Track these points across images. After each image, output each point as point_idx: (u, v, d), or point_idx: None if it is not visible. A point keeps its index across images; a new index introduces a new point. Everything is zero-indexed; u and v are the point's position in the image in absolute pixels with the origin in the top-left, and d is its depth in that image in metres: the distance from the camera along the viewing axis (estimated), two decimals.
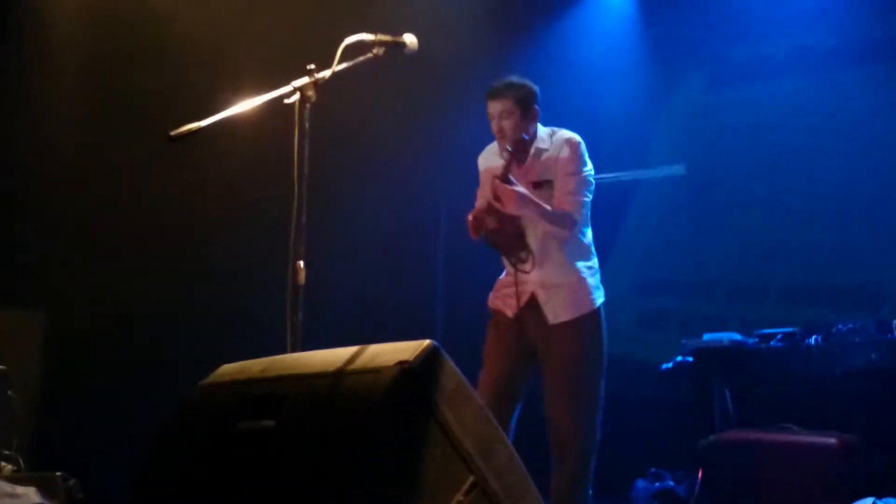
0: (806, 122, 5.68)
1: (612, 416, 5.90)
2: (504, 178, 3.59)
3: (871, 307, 5.10)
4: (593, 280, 3.82)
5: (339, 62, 2.96)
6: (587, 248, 3.86)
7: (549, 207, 3.67)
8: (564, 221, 3.70)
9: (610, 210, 6.41)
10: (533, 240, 3.76)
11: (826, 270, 5.53)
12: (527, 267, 3.74)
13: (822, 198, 5.56)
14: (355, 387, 2.00)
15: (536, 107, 3.81)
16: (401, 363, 1.95)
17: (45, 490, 3.72)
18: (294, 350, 2.73)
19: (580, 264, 3.79)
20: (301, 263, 2.81)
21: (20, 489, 3.59)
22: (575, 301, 3.73)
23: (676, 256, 6.25)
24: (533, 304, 3.75)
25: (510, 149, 3.66)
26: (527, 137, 3.77)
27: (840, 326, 4.57)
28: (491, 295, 3.91)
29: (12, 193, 4.92)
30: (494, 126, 3.78)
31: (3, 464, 4.01)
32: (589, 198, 3.79)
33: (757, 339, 4.87)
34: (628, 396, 5.89)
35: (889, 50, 5.42)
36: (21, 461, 4.15)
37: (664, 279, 6.32)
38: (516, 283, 3.77)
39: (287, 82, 2.84)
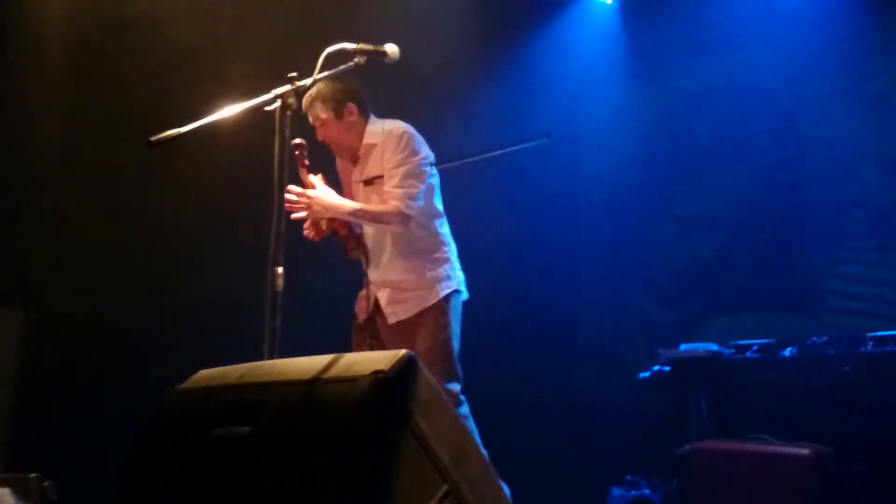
0: (791, 131, 5.73)
1: (588, 423, 5.99)
2: (302, 182, 3.55)
3: None
4: (439, 271, 3.73)
5: (321, 70, 2.99)
6: (433, 239, 3.78)
7: (359, 206, 3.61)
8: (387, 216, 3.61)
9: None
10: (369, 239, 3.76)
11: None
12: (367, 268, 3.75)
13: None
14: (331, 395, 2.01)
15: (351, 104, 3.71)
16: (376, 372, 1.97)
17: (19, 492, 3.69)
18: (271, 355, 2.74)
19: (423, 258, 3.71)
20: (279, 269, 2.82)
21: None
22: (415, 298, 3.69)
23: (654, 263, 6.30)
24: (377, 305, 3.76)
25: (297, 152, 3.50)
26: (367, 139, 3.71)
27: (815, 339, 4.62)
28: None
29: None
30: (319, 135, 3.75)
31: None
32: (419, 188, 3.66)
33: (733, 350, 4.92)
34: (605, 405, 5.94)
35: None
36: None
37: (640, 286, 6.36)
38: (367, 286, 3.78)
39: (269, 89, 2.86)
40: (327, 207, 3.55)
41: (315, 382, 2.07)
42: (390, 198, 3.62)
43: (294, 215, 3.52)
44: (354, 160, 3.77)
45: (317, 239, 3.72)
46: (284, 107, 2.85)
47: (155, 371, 4.25)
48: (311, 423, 2.01)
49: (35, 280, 4.89)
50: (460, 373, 3.70)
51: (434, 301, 3.69)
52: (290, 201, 3.42)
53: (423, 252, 3.74)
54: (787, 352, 4.67)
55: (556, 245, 6.36)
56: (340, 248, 3.82)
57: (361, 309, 3.81)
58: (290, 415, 2.07)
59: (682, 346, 5.09)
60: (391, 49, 3.23)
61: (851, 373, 4.43)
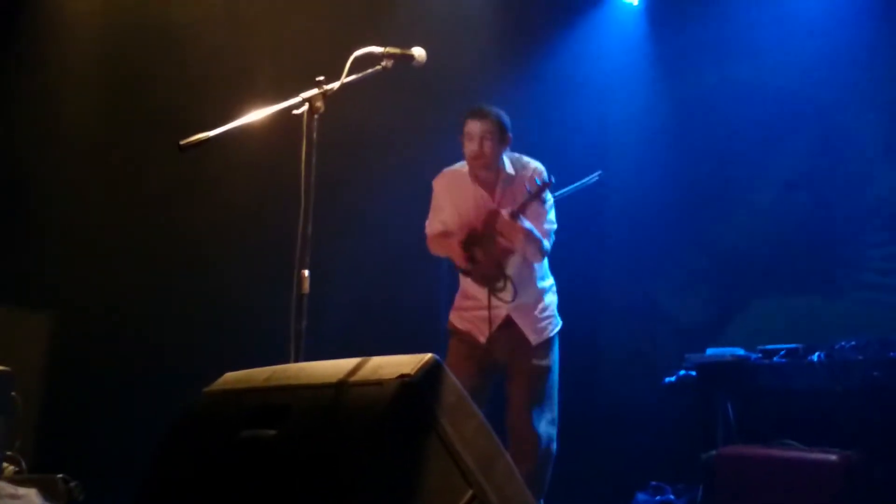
0: (817, 131, 5.70)
1: (614, 428, 5.96)
2: (514, 215, 3.70)
3: None
4: (555, 298, 4.04)
5: (348, 74, 2.99)
6: (547, 267, 4.05)
7: (544, 241, 3.83)
8: (543, 251, 3.87)
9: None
10: (512, 269, 3.87)
11: None
12: (507, 296, 3.85)
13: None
14: (357, 399, 2.02)
15: (510, 135, 3.91)
16: (402, 376, 1.97)
17: (46, 492, 3.73)
18: (297, 358, 2.75)
19: (545, 286, 3.99)
20: (306, 272, 2.84)
21: (22, 490, 3.60)
22: (546, 321, 3.94)
23: (681, 264, 6.27)
24: (506, 326, 3.88)
25: (529, 189, 3.73)
26: (506, 169, 3.87)
27: (843, 343, 4.57)
28: (454, 314, 4.02)
29: (22, 195, 4.94)
30: (474, 146, 3.84)
31: (5, 465, 4.02)
32: (556, 225, 3.96)
33: (760, 355, 4.88)
34: (630, 409, 5.91)
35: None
36: (23, 462, 4.16)
37: (666, 288, 6.33)
38: (489, 308, 3.86)
39: (297, 93, 2.87)
40: (531, 240, 3.78)
41: (341, 386, 2.08)
42: (542, 234, 3.85)
43: (499, 238, 3.75)
44: (487, 186, 3.89)
45: (463, 266, 3.88)
46: (312, 110, 2.87)
47: (181, 373, 4.27)
48: (337, 426, 2.01)
49: (63, 283, 4.93)
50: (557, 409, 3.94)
51: (559, 327, 4.01)
52: (507, 226, 3.70)
53: (545, 280, 4.02)
54: (815, 356, 4.61)
55: (580, 247, 6.34)
56: (463, 271, 3.90)
57: (480, 331, 3.92)
58: (316, 418, 2.08)
59: (709, 351, 5.06)
60: (418, 52, 3.24)
61: (880, 378, 4.38)
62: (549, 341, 3.94)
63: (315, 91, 2.90)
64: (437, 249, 4.06)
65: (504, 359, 3.90)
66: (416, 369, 1.98)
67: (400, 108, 5.22)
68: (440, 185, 4.04)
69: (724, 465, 4.43)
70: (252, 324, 4.90)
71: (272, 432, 2.10)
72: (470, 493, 1.98)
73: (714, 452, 4.55)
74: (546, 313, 3.95)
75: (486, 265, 3.84)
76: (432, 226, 4.02)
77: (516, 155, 3.99)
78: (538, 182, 3.75)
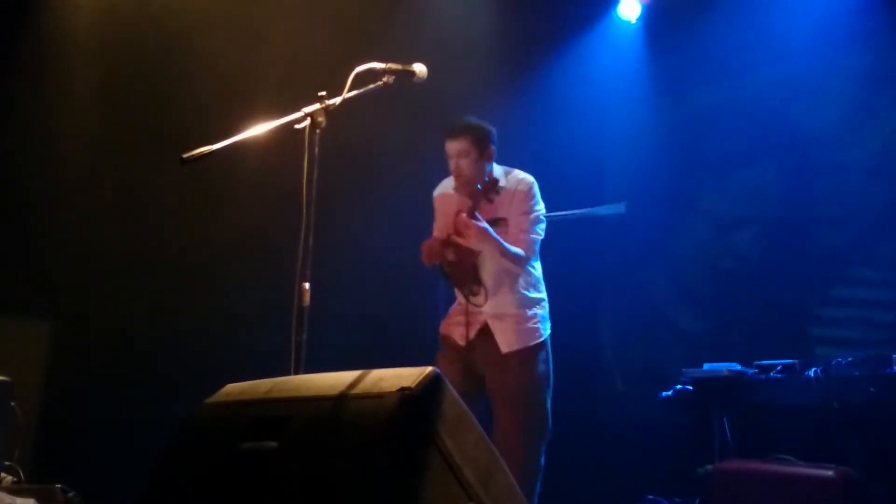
0: (814, 149, 5.73)
1: (610, 442, 5.96)
2: (470, 214, 3.71)
3: None
4: (542, 311, 3.98)
5: (350, 89, 3.02)
6: (537, 281, 4.01)
7: (507, 245, 3.80)
8: (518, 259, 3.85)
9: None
10: (486, 274, 3.88)
11: None
12: (480, 300, 3.87)
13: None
14: (358, 411, 2.03)
15: (492, 147, 3.91)
16: (403, 389, 1.98)
17: (44, 502, 3.73)
18: (297, 370, 2.76)
19: (530, 296, 3.95)
20: (306, 285, 2.85)
21: (20, 501, 3.60)
22: (525, 332, 3.88)
23: (679, 278, 6.29)
24: (484, 334, 3.88)
25: (480, 187, 3.79)
26: (487, 180, 3.88)
27: (840, 360, 4.58)
28: (443, 322, 4.04)
29: (22, 205, 4.96)
30: (452, 165, 3.89)
31: (3, 475, 4.02)
32: (541, 235, 3.95)
33: (756, 370, 4.89)
34: (627, 423, 5.92)
35: None
36: (21, 472, 4.16)
37: (664, 303, 6.35)
38: (467, 314, 3.89)
39: (299, 108, 2.89)
40: (486, 239, 3.74)
41: (342, 398, 2.09)
42: (518, 241, 3.85)
43: (455, 238, 3.74)
44: (471, 195, 3.89)
45: (430, 263, 3.85)
46: (314, 125, 2.89)
47: (181, 384, 4.29)
48: (337, 438, 2.02)
49: (63, 291, 4.94)
50: (548, 431, 3.90)
51: (540, 339, 3.92)
52: (463, 224, 3.68)
53: (531, 290, 3.96)
54: (812, 372, 4.63)
55: (580, 261, 6.37)
56: (439, 275, 3.92)
57: (460, 335, 3.92)
58: (317, 430, 2.09)
59: (706, 366, 5.07)
60: (419, 69, 3.27)
61: (877, 393, 4.38)
62: (526, 353, 3.84)
63: (317, 106, 2.92)
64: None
65: (482, 370, 3.87)
66: (416, 382, 1.99)
67: (400, 123, 5.25)
68: (435, 199, 4.11)
69: (721, 480, 4.43)
70: (253, 336, 4.92)
71: (273, 444, 2.10)
72: None
73: (710, 467, 4.55)
74: (525, 325, 3.88)
75: (462, 268, 3.85)
76: (434, 234, 4.06)
77: (509, 169, 4.00)
78: (479, 187, 3.78)
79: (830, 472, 4.10)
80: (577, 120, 6.45)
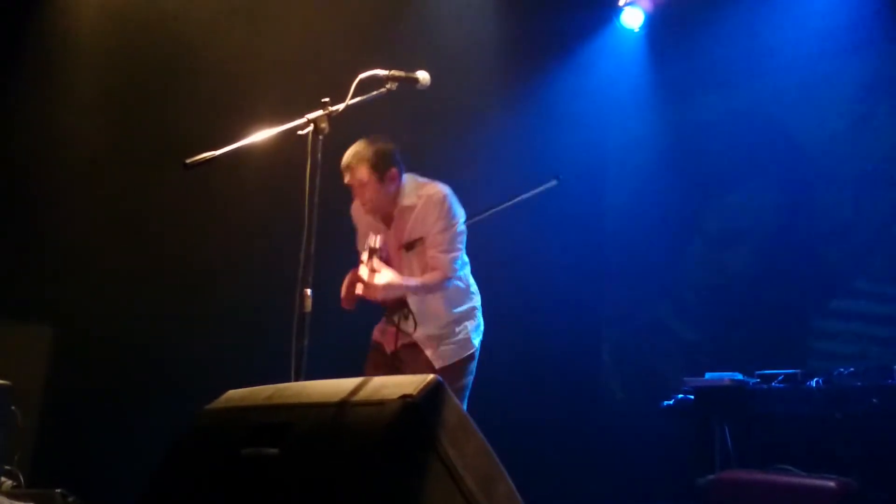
0: (812, 159, 5.73)
1: (611, 451, 5.96)
2: (361, 279, 3.58)
3: None
4: (473, 322, 3.93)
5: (353, 96, 3.03)
6: (464, 291, 3.92)
7: (416, 282, 3.73)
8: (438, 285, 3.76)
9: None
10: (413, 303, 3.82)
11: None
12: (409, 327, 3.81)
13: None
14: (359, 418, 2.02)
15: (394, 167, 3.76)
16: (404, 397, 1.98)
17: None
18: (298, 377, 2.76)
19: (459, 311, 3.88)
20: (308, 291, 2.85)
21: None
22: (457, 348, 3.85)
23: (680, 286, 6.29)
24: (413, 347, 3.84)
25: (371, 245, 3.62)
26: (402, 199, 3.77)
27: (842, 370, 4.57)
28: (376, 327, 3.98)
29: (23, 210, 4.96)
30: (357, 196, 3.79)
31: (3, 479, 4.02)
32: (461, 250, 3.83)
33: (758, 380, 4.88)
34: (627, 432, 5.91)
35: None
36: (21, 477, 4.16)
37: (665, 312, 6.34)
38: (398, 328, 3.84)
39: (302, 114, 2.90)
40: (391, 287, 3.63)
41: (343, 405, 2.08)
42: (437, 264, 3.75)
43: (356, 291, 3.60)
44: (386, 219, 3.83)
45: (350, 307, 3.77)
46: (317, 131, 2.89)
47: (182, 390, 4.29)
48: (338, 445, 2.01)
49: (64, 296, 4.94)
50: None
51: (469, 352, 3.89)
52: (353, 284, 3.58)
53: (459, 304, 3.89)
54: (813, 382, 4.62)
55: (581, 269, 6.37)
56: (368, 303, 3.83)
57: (388, 342, 3.89)
58: (317, 437, 2.08)
59: (708, 375, 5.06)
60: (423, 76, 3.28)
61: (878, 405, 4.37)
62: (453, 368, 3.82)
63: (320, 112, 2.93)
64: None
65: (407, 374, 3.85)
66: (417, 390, 1.98)
67: (403, 130, 5.25)
68: (352, 209, 4.00)
69: (721, 490, 4.41)
70: (254, 342, 4.91)
71: (273, 451, 2.10)
72: None
73: (711, 477, 4.54)
74: (455, 342, 3.85)
75: (393, 303, 3.80)
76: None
77: (423, 181, 3.86)
78: (370, 245, 3.62)
79: (831, 483, 4.08)
80: (578, 128, 6.45)
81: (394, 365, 3.84)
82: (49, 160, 5.02)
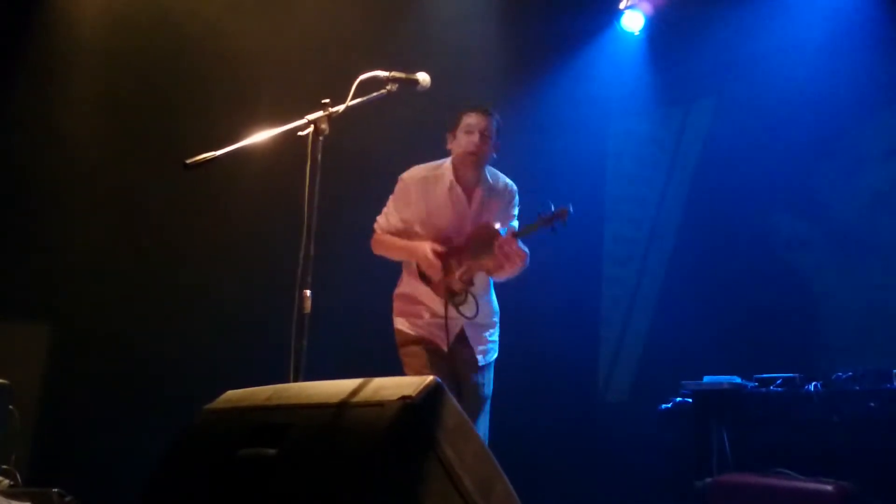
0: (811, 158, 5.75)
1: (608, 454, 5.95)
2: (516, 238, 3.61)
3: None
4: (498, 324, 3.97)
5: (353, 97, 3.02)
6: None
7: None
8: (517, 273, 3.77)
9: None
10: (476, 284, 3.80)
11: None
12: (467, 310, 3.76)
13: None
14: (358, 419, 2.02)
15: (499, 143, 3.87)
16: (403, 398, 1.97)
17: None
18: (297, 378, 2.75)
19: (497, 311, 3.93)
20: (307, 292, 2.85)
21: None
22: (492, 345, 3.89)
23: (678, 295, 6.29)
24: (459, 340, 3.81)
25: (542, 213, 3.59)
26: (488, 178, 3.81)
27: (840, 374, 4.58)
28: (403, 320, 3.88)
29: (22, 209, 4.97)
30: (474, 138, 3.75)
31: (0, 478, 4.01)
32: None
33: (756, 384, 4.88)
34: (626, 435, 5.91)
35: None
36: (18, 476, 4.16)
37: (665, 318, 6.34)
38: (446, 317, 3.76)
39: (302, 115, 2.89)
40: (524, 264, 3.66)
41: (342, 406, 2.08)
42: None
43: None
44: (466, 187, 3.81)
45: (438, 276, 3.73)
46: (317, 132, 2.89)
47: (181, 390, 4.29)
48: (337, 446, 2.01)
49: (63, 296, 4.94)
50: None
51: (496, 356, 3.93)
52: (512, 251, 3.57)
53: (496, 305, 3.96)
54: (812, 386, 4.62)
55: (580, 271, 6.37)
56: (426, 280, 3.79)
57: (440, 339, 3.80)
58: (316, 438, 2.08)
59: (706, 378, 5.05)
60: (423, 77, 3.27)
61: (876, 408, 4.37)
62: (490, 367, 3.86)
63: (320, 113, 2.93)
64: (387, 249, 3.86)
65: (460, 376, 3.79)
66: (417, 391, 1.98)
67: (403, 131, 5.26)
68: (413, 181, 3.86)
69: (720, 494, 4.41)
70: (253, 342, 4.91)
71: (272, 451, 2.10)
72: None
73: (709, 480, 4.54)
74: (494, 337, 3.89)
75: (455, 277, 3.74)
76: (389, 222, 3.85)
77: (495, 171, 3.92)
78: (552, 208, 3.58)
79: (829, 487, 4.09)
80: (579, 131, 6.46)
81: (450, 361, 3.79)
82: (49, 160, 5.02)
